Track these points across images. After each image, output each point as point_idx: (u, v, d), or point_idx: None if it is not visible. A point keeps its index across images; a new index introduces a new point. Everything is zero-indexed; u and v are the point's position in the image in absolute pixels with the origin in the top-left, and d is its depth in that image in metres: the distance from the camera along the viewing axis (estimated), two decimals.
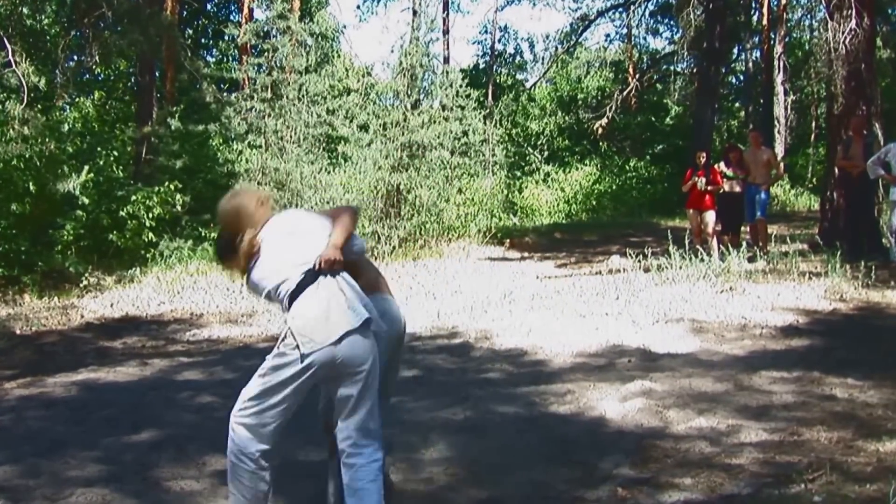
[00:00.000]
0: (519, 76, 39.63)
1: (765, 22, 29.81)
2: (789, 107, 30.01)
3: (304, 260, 3.55)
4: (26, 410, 5.99)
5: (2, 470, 4.63)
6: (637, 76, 31.22)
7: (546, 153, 31.67)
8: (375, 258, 14.96)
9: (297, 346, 3.42)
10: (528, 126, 33.08)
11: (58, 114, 18.52)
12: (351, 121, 18.18)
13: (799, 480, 4.00)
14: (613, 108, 26.58)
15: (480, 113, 21.55)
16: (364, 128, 17.70)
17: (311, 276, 3.51)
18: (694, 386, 5.83)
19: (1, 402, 6.32)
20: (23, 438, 5.26)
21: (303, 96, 16.69)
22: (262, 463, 3.53)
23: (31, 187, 12.57)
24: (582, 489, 4.18)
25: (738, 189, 12.01)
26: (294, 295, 3.50)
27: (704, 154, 12.40)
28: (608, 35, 42.54)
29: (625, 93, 28.06)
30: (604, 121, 26.52)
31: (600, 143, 30.49)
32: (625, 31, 35.57)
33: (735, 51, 33.20)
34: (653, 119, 31.77)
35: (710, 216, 12.06)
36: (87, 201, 13.05)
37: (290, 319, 3.47)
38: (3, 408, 6.11)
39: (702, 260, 10.36)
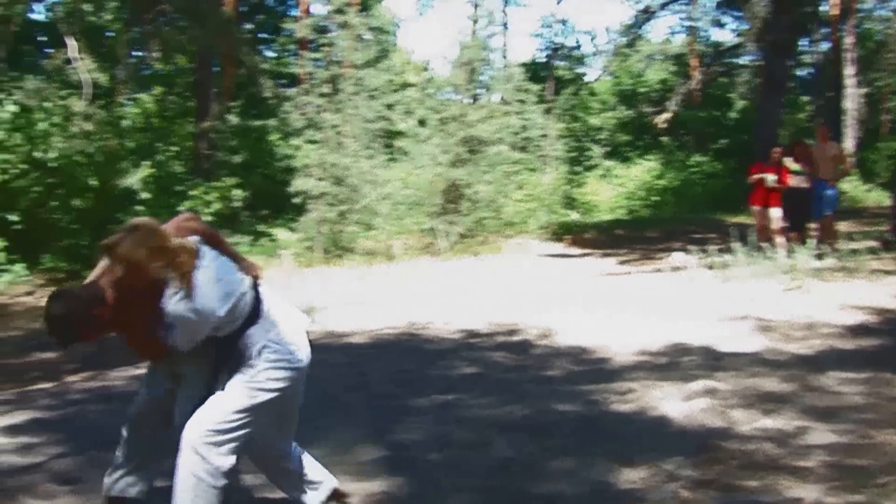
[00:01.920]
0: (579, 70, 39.29)
1: (835, 12, 29.09)
2: (859, 100, 29.26)
3: (243, 271, 3.39)
4: (88, 403, 6.09)
5: (65, 462, 4.71)
6: (701, 69, 30.76)
7: (607, 148, 31.42)
8: (433, 254, 14.95)
9: (292, 354, 3.33)
10: (588, 120, 32.84)
11: (118, 110, 18.87)
12: (409, 115, 18.21)
13: (869, 485, 3.86)
14: (676, 101, 26.26)
15: (540, 107, 21.43)
16: (422, 122, 17.71)
17: (256, 287, 3.37)
18: (759, 386, 5.66)
19: (64, 395, 6.44)
20: (85, 430, 5.33)
21: (361, 91, 16.76)
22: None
23: (94, 182, 12.78)
24: (643, 490, 4.07)
25: (805, 185, 11.69)
26: (257, 305, 3.32)
27: (779, 150, 12.03)
28: (671, 27, 42.00)
29: (688, 86, 27.68)
30: (666, 115, 26.22)
31: (662, 138, 30.11)
32: (688, 23, 35.02)
33: (803, 43, 32.46)
34: (716, 113, 31.26)
35: (776, 213, 11.75)
36: (147, 196, 13.24)
37: (276, 328, 3.31)
38: (67, 401, 6.21)
39: (767, 257, 10.13)
